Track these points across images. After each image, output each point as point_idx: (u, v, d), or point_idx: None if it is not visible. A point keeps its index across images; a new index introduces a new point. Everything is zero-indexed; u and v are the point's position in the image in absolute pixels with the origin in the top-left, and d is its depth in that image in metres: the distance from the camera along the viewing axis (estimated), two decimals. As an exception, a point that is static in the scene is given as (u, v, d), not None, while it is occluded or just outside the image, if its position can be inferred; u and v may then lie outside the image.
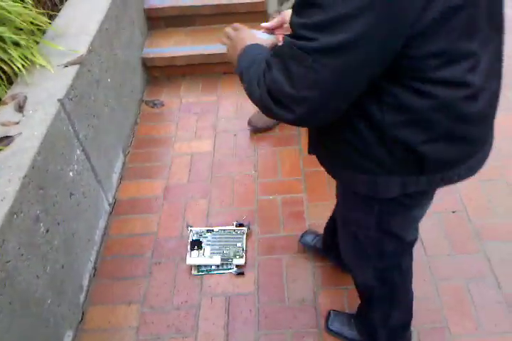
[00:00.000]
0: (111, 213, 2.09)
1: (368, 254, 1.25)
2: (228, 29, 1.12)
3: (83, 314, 1.73)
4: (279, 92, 0.83)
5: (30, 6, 1.81)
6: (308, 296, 1.73)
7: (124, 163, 2.31)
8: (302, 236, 1.85)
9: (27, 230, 1.38)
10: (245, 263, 1.84)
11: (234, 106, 2.61)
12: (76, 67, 1.78)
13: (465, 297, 1.68)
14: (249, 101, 0.94)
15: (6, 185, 1.34)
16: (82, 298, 1.76)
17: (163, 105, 2.62)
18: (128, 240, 1.99)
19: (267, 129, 2.42)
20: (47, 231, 1.50)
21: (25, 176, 1.38)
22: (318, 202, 2.06)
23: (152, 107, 2.63)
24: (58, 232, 1.58)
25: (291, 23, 0.79)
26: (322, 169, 1.11)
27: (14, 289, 1.28)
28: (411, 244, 1.28)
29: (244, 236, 1.92)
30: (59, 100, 1.64)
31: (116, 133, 2.24)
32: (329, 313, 1.63)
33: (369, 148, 0.93)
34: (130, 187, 2.21)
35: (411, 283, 1.39)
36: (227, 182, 2.19)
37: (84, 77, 1.85)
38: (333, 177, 1.11)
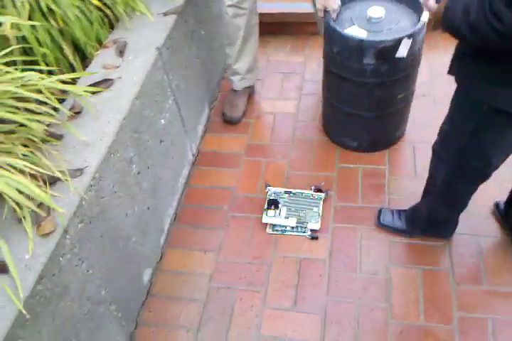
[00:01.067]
0: (194, 163, 2.14)
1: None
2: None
3: (162, 255, 1.82)
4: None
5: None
6: (381, 270, 1.70)
7: (209, 116, 2.33)
8: (381, 216, 1.82)
9: (121, 170, 1.44)
10: (320, 228, 1.83)
11: (321, 69, 2.52)
12: (174, 17, 1.78)
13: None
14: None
15: (106, 126, 1.39)
16: (162, 240, 1.84)
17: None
18: (207, 191, 2.04)
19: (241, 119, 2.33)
20: (138, 173, 1.56)
21: (124, 119, 1.43)
22: (400, 175, 1.98)
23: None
24: (147, 175, 1.64)
25: None
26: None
27: (106, 224, 1.36)
28: (491, 169, 1.36)
29: (321, 201, 1.90)
30: (157, 48, 1.66)
31: (204, 86, 2.26)
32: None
33: None
34: (213, 141, 2.24)
35: (469, 199, 1.53)
36: (308, 146, 2.16)
37: (181, 28, 1.85)
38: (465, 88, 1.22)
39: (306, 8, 2.59)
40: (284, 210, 1.88)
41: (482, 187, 1.46)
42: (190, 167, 2.12)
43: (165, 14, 1.78)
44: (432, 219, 1.67)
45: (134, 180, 1.54)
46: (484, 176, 1.40)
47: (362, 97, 1.87)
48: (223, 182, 2.06)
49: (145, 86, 1.56)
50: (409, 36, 1.61)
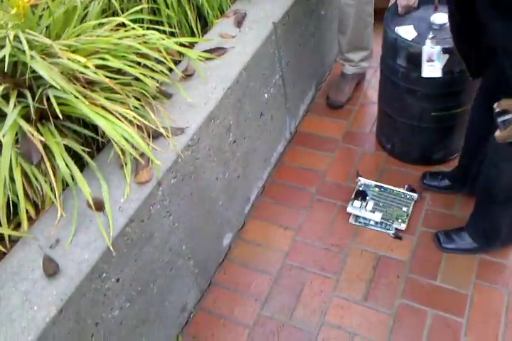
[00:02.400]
0: (290, 141, 2.14)
1: None
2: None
3: (244, 223, 1.87)
4: None
5: None
6: (463, 285, 1.59)
7: (313, 97, 2.31)
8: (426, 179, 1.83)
9: (219, 136, 1.48)
10: (406, 229, 1.74)
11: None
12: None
13: None
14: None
15: (211, 92, 1.44)
16: (247, 209, 1.88)
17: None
18: (298, 171, 2.03)
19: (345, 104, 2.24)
20: (234, 141, 1.60)
21: (229, 88, 1.46)
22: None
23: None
24: (242, 145, 1.67)
25: None
26: None
27: (197, 183, 1.42)
28: None
29: (413, 202, 1.80)
30: (273, 23, 1.67)
31: (315, 66, 2.23)
32: (437, 235, 1.69)
33: None
34: (313, 122, 2.22)
35: None
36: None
37: (301, 5, 1.84)
38: None
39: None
40: (371, 203, 1.81)
41: None
42: (286, 144, 2.12)
43: None
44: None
45: (229, 147, 1.57)
46: None
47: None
48: (315, 164, 2.04)
49: (255, 58, 1.58)
50: (445, 50, 1.46)
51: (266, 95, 1.76)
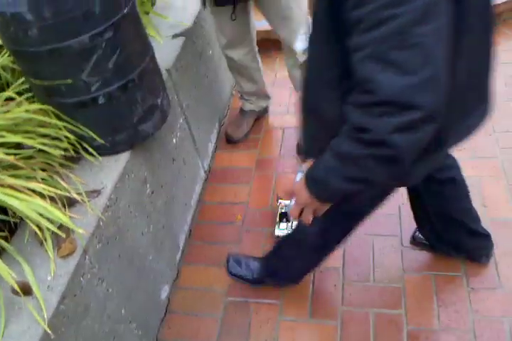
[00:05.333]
0: (206, 180, 2.19)
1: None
2: (292, 211, 1.09)
3: (178, 272, 1.86)
4: (394, 95, 0.73)
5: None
6: (395, 279, 1.71)
7: (218, 134, 2.38)
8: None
9: (136, 190, 1.49)
10: (333, 239, 1.85)
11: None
12: (183, 39, 1.85)
13: None
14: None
15: (120, 148, 1.44)
16: (178, 257, 1.88)
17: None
18: (220, 207, 2.07)
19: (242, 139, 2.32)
20: (152, 192, 1.61)
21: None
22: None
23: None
24: (161, 195, 1.68)
25: (357, 17, 0.73)
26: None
27: (123, 244, 1.40)
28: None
29: (334, 212, 1.92)
30: (167, 70, 1.72)
31: (213, 104, 2.32)
32: (228, 259, 1.75)
33: None
34: (224, 157, 2.29)
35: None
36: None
37: (189, 49, 1.92)
38: None
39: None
40: (295, 223, 1.90)
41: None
42: (203, 184, 2.16)
43: (174, 37, 1.85)
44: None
45: (148, 199, 1.58)
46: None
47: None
48: (235, 197, 2.10)
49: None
50: None
51: (174, 140, 1.80)
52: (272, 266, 1.66)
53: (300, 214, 1.07)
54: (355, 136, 0.81)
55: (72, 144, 1.33)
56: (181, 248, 1.90)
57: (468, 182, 1.53)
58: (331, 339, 1.59)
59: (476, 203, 1.62)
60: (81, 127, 1.29)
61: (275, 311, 1.68)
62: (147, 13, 1.91)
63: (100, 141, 1.32)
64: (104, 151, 1.38)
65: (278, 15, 1.81)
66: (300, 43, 1.87)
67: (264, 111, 2.41)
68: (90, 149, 1.35)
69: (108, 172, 1.37)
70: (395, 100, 0.74)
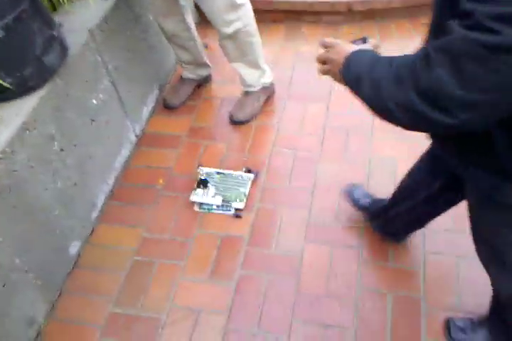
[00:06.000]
0: (137, 144, 2.23)
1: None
2: (319, 55, 1.03)
3: (93, 229, 1.92)
4: (440, 94, 0.71)
5: None
6: (293, 249, 1.79)
7: (157, 99, 2.41)
8: (351, 191, 1.84)
9: (40, 146, 1.53)
10: (244, 207, 1.92)
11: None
12: (113, 1, 1.86)
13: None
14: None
15: (24, 103, 1.47)
16: (94, 215, 1.94)
17: (206, 47, 2.64)
18: (146, 170, 2.12)
19: (247, 121, 2.25)
20: (61, 150, 1.65)
21: (43, 97, 1.51)
22: (331, 162, 2.06)
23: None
24: (73, 153, 1.72)
25: (466, 11, 0.66)
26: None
27: (19, 196, 1.45)
28: None
29: (250, 182, 1.99)
30: (89, 30, 1.73)
31: (152, 69, 2.32)
32: (448, 322, 1.54)
33: None
34: (159, 122, 2.32)
35: None
36: (246, 129, 2.24)
37: (122, 12, 1.92)
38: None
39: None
40: (212, 189, 1.97)
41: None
42: (133, 147, 2.20)
43: None
44: None
45: (56, 156, 1.62)
46: None
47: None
48: (162, 162, 2.15)
49: (71, 65, 1.63)
50: None
51: (94, 101, 1.82)
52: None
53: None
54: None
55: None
56: (99, 207, 1.96)
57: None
58: (224, 299, 1.68)
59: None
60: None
61: (177, 271, 1.77)
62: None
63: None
64: (17, 90, 1.42)
65: None
66: (226, 29, 1.89)
67: (205, 80, 2.43)
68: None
69: (5, 126, 1.40)
70: None
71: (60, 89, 1.59)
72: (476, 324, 1.49)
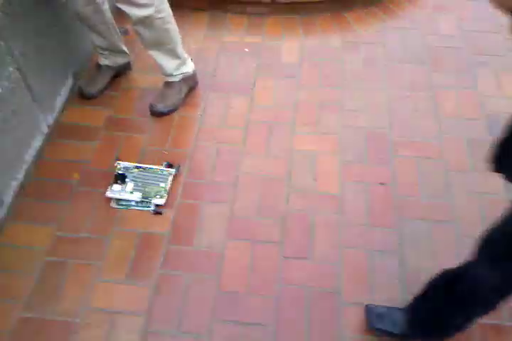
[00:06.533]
0: (49, 135, 2.08)
1: None
2: None
3: (2, 228, 1.78)
4: None
5: None
6: (215, 246, 1.77)
7: (72, 87, 2.26)
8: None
9: None
10: (165, 203, 1.86)
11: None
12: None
13: (367, 266, 1.73)
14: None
15: None
16: (1, 212, 1.78)
17: (127, 34, 2.51)
18: (60, 164, 2.00)
19: (169, 113, 2.19)
20: (-42, 143, 1.50)
21: None
22: (254, 156, 2.05)
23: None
24: (-27, 146, 1.58)
25: None
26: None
27: None
28: None
29: (171, 177, 1.93)
30: (-11, 12, 1.58)
31: (66, 55, 2.17)
32: (367, 308, 1.57)
33: None
34: (75, 112, 2.19)
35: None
36: (167, 122, 2.17)
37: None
38: None
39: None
40: (130, 185, 1.89)
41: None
42: (45, 139, 2.06)
43: None
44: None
45: (-49, 150, 1.47)
46: None
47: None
48: (78, 155, 2.03)
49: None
50: None
51: (-1, 90, 1.67)
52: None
53: None
54: None
55: None
56: (8, 204, 1.82)
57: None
58: (142, 299, 1.62)
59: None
60: None
61: (93, 272, 1.68)
62: None
63: None
64: None
65: None
66: (137, 11, 1.81)
67: (123, 68, 2.32)
68: None
69: None
70: None
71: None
72: (392, 309, 1.55)
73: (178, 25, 2.06)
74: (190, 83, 2.23)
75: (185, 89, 2.20)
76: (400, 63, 2.49)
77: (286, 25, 2.67)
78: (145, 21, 1.85)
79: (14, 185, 1.86)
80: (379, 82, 2.39)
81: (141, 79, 2.35)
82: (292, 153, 2.06)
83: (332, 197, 1.92)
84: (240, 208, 1.88)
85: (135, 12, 1.81)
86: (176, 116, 2.19)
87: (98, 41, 2.10)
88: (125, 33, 2.51)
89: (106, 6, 2.00)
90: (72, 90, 2.25)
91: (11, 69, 1.74)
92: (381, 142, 2.13)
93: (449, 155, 2.08)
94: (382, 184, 1.97)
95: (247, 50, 2.51)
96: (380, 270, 1.71)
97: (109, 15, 2.04)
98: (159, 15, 1.86)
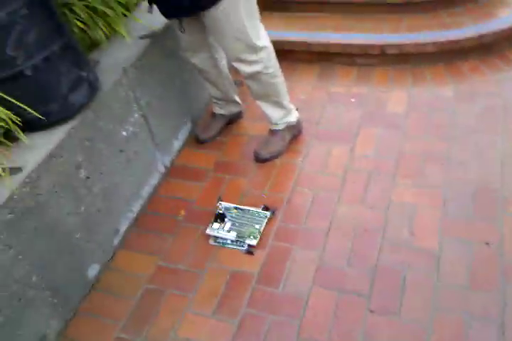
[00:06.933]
0: (165, 175, 2.32)
1: None
2: None
3: (114, 254, 2.00)
4: None
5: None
6: (300, 291, 1.77)
7: (190, 132, 2.51)
8: None
9: (66, 173, 1.64)
10: (257, 244, 1.94)
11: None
12: (148, 40, 2.01)
13: (462, 333, 1.59)
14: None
15: (53, 133, 1.61)
16: (116, 241, 2.02)
17: (241, 85, 2.73)
18: (170, 201, 2.20)
19: (271, 159, 2.30)
20: (87, 177, 1.76)
21: (72, 128, 1.64)
22: (350, 204, 2.05)
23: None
24: (100, 181, 1.83)
25: None
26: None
27: (42, 218, 1.56)
28: None
29: (266, 220, 2.01)
30: (123, 68, 1.87)
31: (187, 103, 2.44)
32: None
33: None
34: (188, 155, 2.41)
35: None
36: (269, 166, 2.28)
37: (156, 50, 2.07)
38: None
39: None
40: (228, 224, 2.00)
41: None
42: (161, 177, 2.30)
43: (141, 37, 2.01)
44: None
45: (82, 183, 1.73)
46: None
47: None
48: (187, 194, 2.22)
49: (102, 99, 1.77)
50: None
51: (124, 133, 1.94)
52: None
53: None
54: None
55: (10, 123, 1.49)
56: (122, 233, 2.05)
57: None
58: (225, 335, 1.68)
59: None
60: (13, 100, 1.44)
61: (184, 303, 1.80)
62: (125, 14, 2.07)
63: (32, 112, 1.46)
64: (39, 124, 1.56)
65: (226, 34, 1.88)
66: (246, 68, 1.97)
67: (236, 116, 2.52)
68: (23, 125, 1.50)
69: (36, 153, 1.53)
70: None
71: (89, 121, 1.72)
72: None
73: (288, 76, 2.21)
74: (294, 131, 2.35)
75: (288, 137, 2.32)
76: (518, 115, 2.33)
77: (395, 76, 2.69)
78: (254, 76, 2.02)
79: (130, 216, 2.10)
80: (493, 135, 2.25)
81: (250, 126, 2.53)
82: (390, 205, 2.02)
83: (429, 253, 1.82)
84: (330, 256, 1.87)
85: (245, 69, 2.00)
86: (278, 161, 2.31)
87: (214, 92, 2.34)
88: (239, 84, 2.74)
89: (223, 62, 2.23)
90: (189, 135, 2.51)
91: (136, 115, 2.02)
92: (490, 198, 1.98)
93: None
94: (487, 244, 1.82)
95: (353, 100, 2.57)
96: (476, 338, 1.56)
97: (225, 70, 2.27)
98: (267, 71, 2.02)
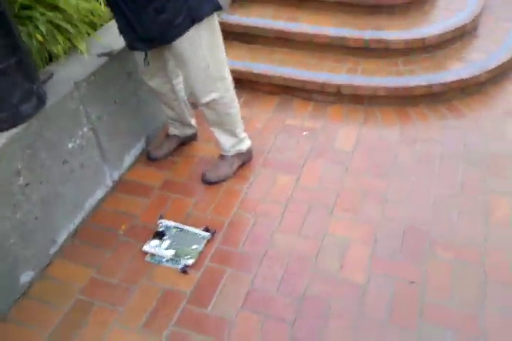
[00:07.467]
0: (113, 189, 2.34)
1: None
2: None
3: (50, 262, 2.00)
4: None
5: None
6: (229, 313, 1.82)
7: (143, 150, 2.55)
8: None
9: (3, 178, 1.66)
10: (193, 264, 1.97)
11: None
12: (106, 58, 2.08)
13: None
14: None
15: (-3, 138, 1.63)
16: (53, 250, 2.01)
17: (197, 108, 2.79)
18: (114, 215, 2.22)
19: (218, 182, 2.37)
20: (26, 185, 1.77)
21: (15, 135, 1.67)
22: (287, 233, 2.13)
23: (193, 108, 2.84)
24: (39, 189, 1.84)
25: None
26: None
27: (-27, 221, 1.56)
28: None
29: (205, 241, 2.05)
30: (75, 82, 1.92)
31: (142, 122, 2.49)
32: None
33: None
34: (139, 171, 2.45)
35: None
36: (216, 189, 2.35)
37: (113, 67, 2.13)
38: None
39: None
40: (167, 242, 2.04)
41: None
42: (108, 191, 2.31)
43: (99, 55, 2.07)
44: None
45: (19, 190, 1.74)
46: None
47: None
48: (131, 209, 2.25)
49: (50, 111, 1.81)
50: None
51: (70, 145, 1.97)
52: None
53: None
54: None
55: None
56: (60, 243, 2.04)
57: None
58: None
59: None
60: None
61: (113, 316, 1.80)
62: (88, 33, 2.13)
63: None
64: None
65: (188, 64, 1.95)
66: (205, 98, 2.05)
67: (189, 138, 2.58)
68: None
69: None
70: None
71: (33, 130, 1.74)
72: None
73: (248, 105, 2.30)
74: (244, 158, 2.43)
75: (237, 163, 2.40)
76: (455, 163, 2.48)
77: (349, 114, 2.83)
78: (209, 104, 2.11)
79: (70, 227, 2.10)
80: (429, 178, 2.39)
81: (202, 148, 2.59)
82: (325, 236, 2.10)
83: (355, 286, 1.90)
84: (261, 281, 1.93)
85: (202, 98, 2.08)
86: (225, 184, 2.37)
87: (169, 113, 2.41)
88: (196, 107, 2.81)
89: (181, 86, 2.31)
90: (142, 152, 2.54)
91: (85, 129, 2.05)
92: (419, 239, 2.09)
93: (491, 264, 1.97)
94: (412, 282, 1.91)
95: (305, 133, 2.69)
96: None
97: (182, 94, 2.35)
98: (222, 101, 2.11)
